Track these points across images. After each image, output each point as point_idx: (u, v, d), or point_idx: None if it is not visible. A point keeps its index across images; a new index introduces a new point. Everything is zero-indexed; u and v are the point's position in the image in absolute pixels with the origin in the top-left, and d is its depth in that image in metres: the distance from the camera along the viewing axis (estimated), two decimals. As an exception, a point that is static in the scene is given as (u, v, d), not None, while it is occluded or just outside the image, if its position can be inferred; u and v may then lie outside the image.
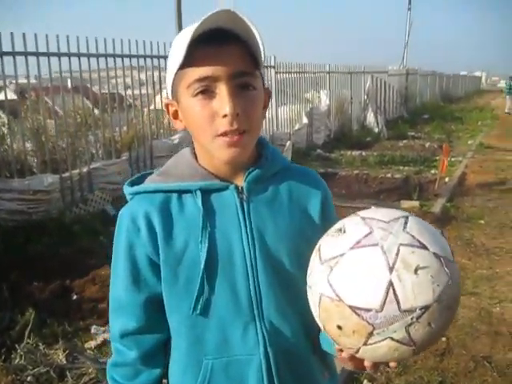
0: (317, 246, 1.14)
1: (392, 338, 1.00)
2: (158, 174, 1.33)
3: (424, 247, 1.03)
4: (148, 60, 8.54)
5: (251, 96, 1.20)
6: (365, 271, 1.01)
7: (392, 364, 1.11)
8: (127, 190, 1.33)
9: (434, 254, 1.03)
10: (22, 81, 6.91)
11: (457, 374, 3.58)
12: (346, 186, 9.38)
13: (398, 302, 0.98)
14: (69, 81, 7.63)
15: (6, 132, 6.94)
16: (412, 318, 0.99)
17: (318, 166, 10.88)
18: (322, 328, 1.13)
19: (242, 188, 1.28)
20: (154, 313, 1.29)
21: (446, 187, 9.10)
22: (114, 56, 7.79)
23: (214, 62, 1.15)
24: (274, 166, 1.34)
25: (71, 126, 7.33)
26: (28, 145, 7.12)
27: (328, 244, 1.11)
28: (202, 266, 1.22)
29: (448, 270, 1.03)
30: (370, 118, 17.23)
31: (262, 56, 1.19)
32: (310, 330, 1.32)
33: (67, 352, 3.52)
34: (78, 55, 7.16)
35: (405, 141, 15.46)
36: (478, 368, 3.65)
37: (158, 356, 1.34)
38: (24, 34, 6.35)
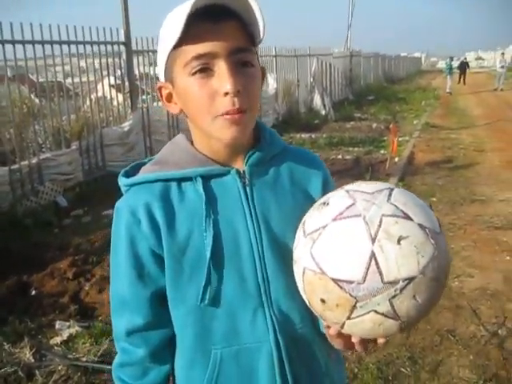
0: (302, 221, 1.12)
1: (376, 311, 0.98)
2: (154, 163, 1.28)
3: (408, 218, 1.00)
4: (88, 46, 8.17)
5: (250, 73, 1.16)
6: (347, 242, 0.99)
7: (380, 340, 1.08)
8: (123, 181, 1.27)
9: (419, 224, 1.00)
10: None
11: (424, 348, 3.66)
12: (299, 169, 9.42)
13: (380, 274, 0.96)
14: (8, 70, 7.33)
15: None
16: (395, 290, 0.96)
17: (270, 150, 10.90)
18: (308, 304, 1.11)
19: (243, 172, 1.24)
20: (159, 307, 1.25)
21: (397, 167, 9.25)
22: (51, 43, 7.41)
23: (212, 38, 1.10)
24: (273, 147, 1.30)
25: (17, 116, 7.09)
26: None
27: (312, 217, 1.09)
28: (209, 255, 1.18)
29: (434, 242, 1.00)
30: (317, 100, 17.34)
31: (261, 32, 1.14)
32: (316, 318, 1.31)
33: (34, 350, 3.41)
34: (13, 42, 6.74)
35: (352, 122, 15.66)
36: (443, 342, 3.74)
37: (165, 352, 1.30)
38: None
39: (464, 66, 35.15)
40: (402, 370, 3.41)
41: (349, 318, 1.01)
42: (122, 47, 9.07)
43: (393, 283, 0.96)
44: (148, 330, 1.26)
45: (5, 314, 3.90)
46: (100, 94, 8.69)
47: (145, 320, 1.25)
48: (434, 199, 7.41)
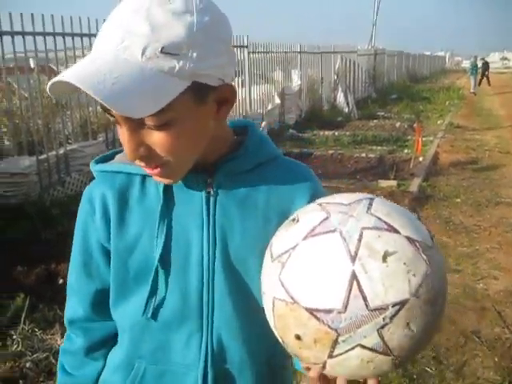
0: (269, 243, 0.97)
1: (363, 346, 0.82)
2: (124, 154, 1.13)
3: (394, 230, 0.85)
4: None
5: (165, 134, 0.95)
6: (321, 263, 0.83)
7: (371, 382, 0.92)
8: (92, 166, 1.18)
9: (407, 237, 0.85)
10: None
11: (448, 348, 3.67)
12: (322, 166, 9.39)
13: (364, 299, 0.80)
14: (31, 61, 7.35)
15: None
16: (384, 319, 0.80)
17: (292, 146, 10.92)
18: (281, 343, 0.94)
19: (211, 180, 1.10)
20: (104, 302, 1.18)
21: (421, 166, 9.19)
22: (72, 35, 7.31)
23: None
24: (254, 157, 1.13)
25: (45, 107, 7.16)
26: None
27: (279, 237, 0.94)
28: (155, 265, 1.09)
29: (426, 257, 0.84)
30: (340, 98, 17.27)
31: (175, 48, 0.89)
32: (273, 354, 1.16)
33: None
34: (33, 34, 6.70)
35: (375, 120, 15.59)
36: (468, 343, 3.75)
37: (104, 348, 1.24)
38: None
39: (485, 67, 34.72)
40: (427, 369, 3.42)
41: (331, 356, 0.84)
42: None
43: (380, 310, 0.80)
44: (88, 322, 1.22)
45: (34, 301, 3.97)
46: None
47: (86, 313, 1.21)
48: (459, 200, 7.38)
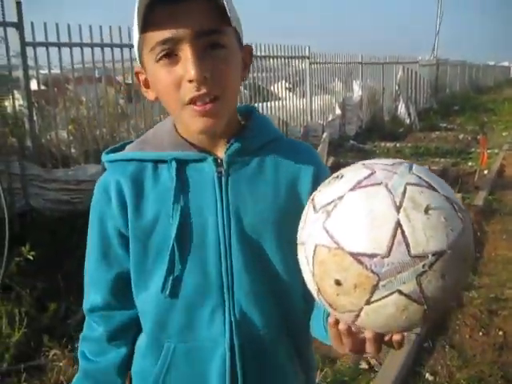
0: (310, 198, 1.01)
1: (401, 292, 0.85)
2: (137, 142, 1.25)
3: (434, 189, 0.91)
4: None
5: (221, 55, 1.07)
6: (367, 211, 0.87)
7: (396, 337, 0.94)
8: (104, 157, 1.25)
9: (446, 197, 0.91)
10: (45, 71, 6.83)
11: (517, 368, 3.52)
12: (383, 178, 9.29)
13: (407, 245, 0.84)
14: (96, 71, 7.54)
15: (42, 122, 6.94)
16: (424, 266, 0.84)
17: (353, 157, 10.79)
18: (315, 293, 0.96)
19: (221, 161, 1.17)
20: (123, 289, 1.23)
21: (486, 180, 8.96)
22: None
23: (176, 19, 1.03)
24: (260, 137, 1.22)
25: (110, 116, 7.33)
26: (64, 134, 7.14)
27: (323, 191, 0.98)
28: (172, 242, 1.14)
29: (462, 216, 0.91)
30: (402, 108, 17.04)
31: (229, 11, 1.03)
32: (289, 322, 1.24)
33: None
34: (101, 45, 6.93)
35: (437, 132, 15.28)
36: (538, 363, 3.59)
37: (126, 334, 1.29)
38: (45, 24, 6.11)
39: None
40: (496, 388, 3.30)
41: (368, 302, 0.87)
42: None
43: (421, 257, 0.84)
44: (108, 310, 1.26)
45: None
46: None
47: (106, 301, 1.25)
48: (526, 215, 7.13)
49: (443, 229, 0.86)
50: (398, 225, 0.85)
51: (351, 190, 0.91)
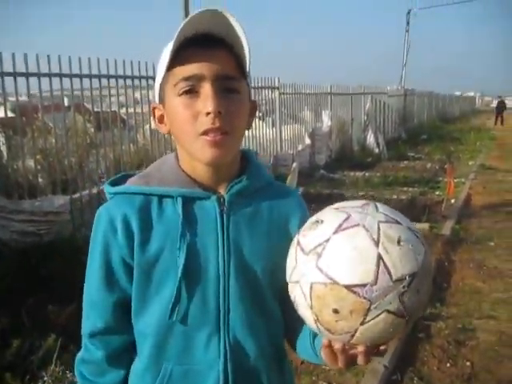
0: (294, 243, 1.17)
1: (388, 311, 1.03)
2: (140, 176, 1.32)
3: (398, 223, 1.09)
4: (137, 80, 8.12)
5: (235, 99, 1.22)
6: (353, 249, 1.04)
7: (383, 347, 1.13)
8: (108, 189, 1.32)
9: (408, 227, 1.10)
10: (12, 99, 6.75)
11: (485, 400, 3.54)
12: (353, 207, 9.34)
13: (389, 273, 1.02)
14: (66, 99, 7.48)
15: (8, 151, 6.85)
16: (404, 287, 1.03)
17: (323, 187, 10.90)
18: (313, 323, 1.12)
19: (223, 199, 1.28)
20: (122, 314, 1.30)
21: (453, 209, 9.11)
22: (107, 77, 7.45)
23: (200, 61, 1.18)
24: (258, 180, 1.34)
25: (79, 146, 7.27)
26: (32, 164, 7.06)
27: (308, 235, 1.13)
28: (180, 274, 1.22)
29: (422, 241, 1.10)
30: (370, 138, 17.28)
31: (248, 63, 1.21)
32: (279, 349, 1.38)
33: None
34: (70, 76, 6.88)
35: (406, 161, 15.54)
36: (505, 393, 3.61)
37: (123, 357, 1.34)
38: (13, 54, 6.11)
39: (501, 106, 34.48)
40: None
41: (362, 323, 1.04)
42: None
43: (400, 280, 1.03)
44: (109, 334, 1.31)
45: (65, 341, 3.95)
46: (153, 126, 8.82)
47: (106, 325, 1.30)
48: (492, 244, 7.24)
49: (413, 255, 1.06)
50: (380, 257, 1.03)
51: (335, 233, 1.07)
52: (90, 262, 1.31)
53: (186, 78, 1.18)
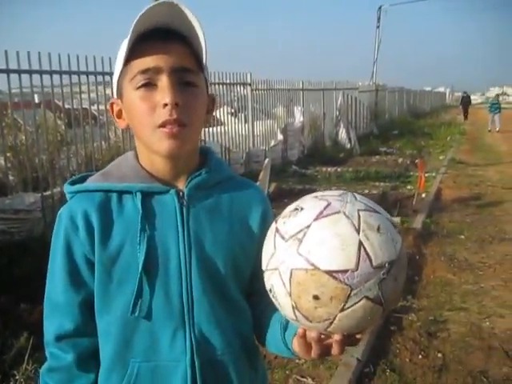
0: (271, 230, 1.15)
1: (367, 297, 1.03)
2: (100, 174, 1.32)
3: (377, 212, 1.11)
4: (108, 77, 7.92)
5: (192, 92, 1.22)
6: (335, 236, 1.04)
7: (358, 335, 1.13)
8: (68, 188, 1.31)
9: (386, 217, 1.11)
10: None
11: (456, 390, 3.60)
12: (325, 203, 9.40)
13: (370, 260, 1.03)
14: (36, 96, 7.39)
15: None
16: (383, 274, 1.03)
17: (295, 183, 10.95)
18: (291, 310, 1.10)
19: (182, 193, 1.28)
20: (89, 315, 1.28)
21: (424, 203, 9.21)
22: (78, 73, 7.38)
23: (157, 54, 1.19)
24: (217, 174, 1.35)
25: (50, 143, 7.18)
26: (2, 161, 6.97)
27: (287, 223, 1.12)
28: (140, 268, 1.22)
29: (398, 231, 1.12)
30: (342, 134, 17.37)
31: (204, 56, 1.22)
32: (248, 343, 1.38)
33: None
34: (40, 72, 6.81)
35: (377, 156, 15.65)
36: (475, 383, 3.68)
37: (93, 360, 1.31)
38: None
39: (466, 102, 35.10)
40: (435, 410, 3.36)
41: (342, 309, 1.04)
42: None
43: (380, 267, 1.03)
44: (77, 336, 1.28)
45: (37, 340, 3.91)
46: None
47: (75, 325, 1.27)
48: (463, 237, 7.36)
49: (391, 243, 1.07)
50: (361, 244, 1.03)
51: (316, 219, 1.07)
52: (51, 263, 1.30)
53: (143, 71, 1.19)
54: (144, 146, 1.28)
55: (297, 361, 3.78)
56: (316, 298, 1.04)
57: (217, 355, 1.29)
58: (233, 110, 12.42)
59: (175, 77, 1.19)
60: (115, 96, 1.31)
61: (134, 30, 1.16)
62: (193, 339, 1.26)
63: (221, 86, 11.62)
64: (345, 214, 1.06)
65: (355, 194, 1.15)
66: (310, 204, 1.12)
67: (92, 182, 1.30)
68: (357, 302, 1.03)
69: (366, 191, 10.17)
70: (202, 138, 10.60)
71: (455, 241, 7.19)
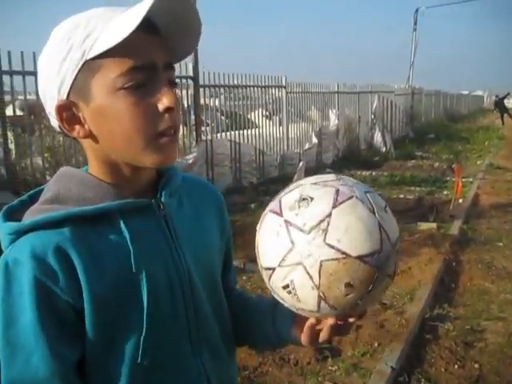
0: (276, 223, 1.06)
1: (388, 275, 1.08)
2: (47, 202, 1.05)
3: (374, 192, 1.13)
4: None
5: (176, 93, 1.05)
6: (357, 221, 1.04)
7: (352, 319, 1.12)
8: (11, 227, 1.01)
9: (379, 194, 1.15)
10: (21, 97, 6.82)
11: (494, 402, 3.52)
12: (360, 207, 9.32)
13: (389, 239, 1.05)
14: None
15: (16, 149, 6.87)
16: (397, 251, 1.09)
17: (330, 186, 10.83)
18: (315, 304, 1.05)
19: (162, 204, 1.11)
20: (82, 371, 1.03)
21: (461, 208, 9.03)
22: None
23: (151, 48, 0.99)
24: (178, 178, 1.19)
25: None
26: (39, 162, 7.07)
27: (301, 214, 1.05)
28: (146, 304, 1.04)
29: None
30: (378, 137, 17.23)
31: (184, 56, 1.12)
32: (231, 342, 1.31)
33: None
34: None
35: (413, 161, 15.47)
36: (514, 396, 3.59)
37: None
38: None
39: (503, 107, 33.68)
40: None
41: (369, 291, 1.05)
42: (190, 81, 9.40)
43: (395, 244, 1.07)
44: None
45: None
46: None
47: None
48: (501, 244, 7.17)
49: (394, 221, 1.11)
50: (380, 225, 1.05)
51: (334, 207, 1.04)
52: (13, 333, 0.97)
53: (136, 69, 0.97)
54: (108, 162, 1.06)
55: (329, 367, 3.74)
56: (348, 285, 1.03)
57: (223, 370, 1.24)
58: (267, 113, 12.41)
59: (167, 75, 1.02)
60: (64, 96, 1.01)
61: (138, 14, 0.93)
62: (204, 359, 1.17)
63: (255, 89, 11.66)
64: (357, 197, 1.06)
65: (351, 178, 1.15)
66: (317, 192, 1.06)
67: (43, 212, 1.02)
68: (382, 281, 1.06)
69: (402, 196, 10.06)
70: (237, 140, 10.63)
71: (493, 248, 7.02)
